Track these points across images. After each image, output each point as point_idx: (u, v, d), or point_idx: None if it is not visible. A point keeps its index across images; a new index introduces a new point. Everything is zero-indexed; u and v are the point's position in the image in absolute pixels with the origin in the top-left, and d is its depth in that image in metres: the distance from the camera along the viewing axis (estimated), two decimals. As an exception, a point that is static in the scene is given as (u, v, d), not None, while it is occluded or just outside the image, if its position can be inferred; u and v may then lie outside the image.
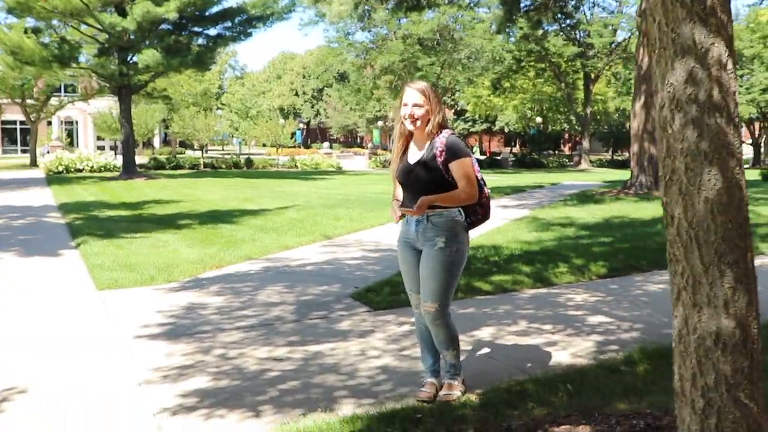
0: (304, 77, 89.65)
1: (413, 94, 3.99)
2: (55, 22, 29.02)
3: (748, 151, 72.26)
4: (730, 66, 2.28)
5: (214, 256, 9.15)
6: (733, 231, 2.30)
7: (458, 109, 72.23)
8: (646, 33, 17.99)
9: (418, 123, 3.99)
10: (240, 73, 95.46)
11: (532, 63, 50.01)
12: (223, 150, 75.55)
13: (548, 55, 47.73)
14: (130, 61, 29.05)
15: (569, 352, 5.08)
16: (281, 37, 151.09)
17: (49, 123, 55.50)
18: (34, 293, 7.19)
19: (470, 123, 76.27)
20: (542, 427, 3.46)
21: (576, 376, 4.42)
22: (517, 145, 76.91)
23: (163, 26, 28.90)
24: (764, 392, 2.41)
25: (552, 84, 53.60)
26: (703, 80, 2.28)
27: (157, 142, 65.46)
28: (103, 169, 34.51)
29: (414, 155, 4.09)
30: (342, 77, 70.59)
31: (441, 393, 4.13)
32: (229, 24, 30.61)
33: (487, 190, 4.11)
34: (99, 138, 58.51)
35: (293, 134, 66.61)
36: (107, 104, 46.67)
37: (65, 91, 49.90)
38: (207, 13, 29.73)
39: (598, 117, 58.46)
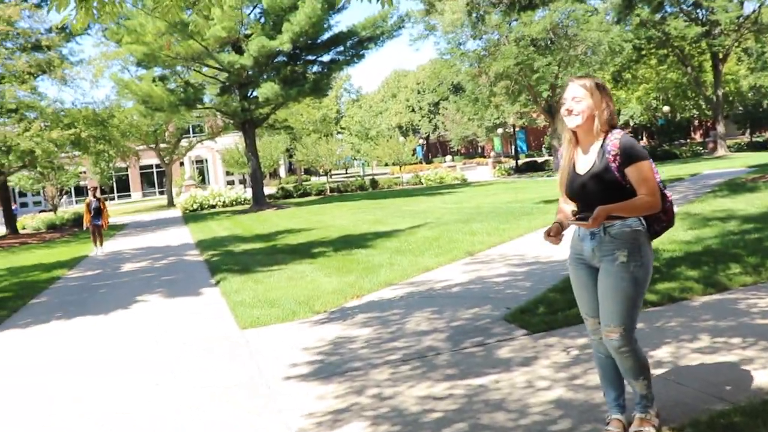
0: (418, 93, 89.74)
1: (572, 88, 3.52)
2: (178, 68, 30.14)
3: None
4: None
5: (354, 284, 8.86)
6: None
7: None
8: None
9: (578, 118, 3.48)
10: (356, 95, 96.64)
11: (653, 50, 47.89)
12: (346, 173, 76.59)
13: (669, 39, 45.52)
14: (251, 96, 29.69)
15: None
16: (392, 56, 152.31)
17: (182, 164, 57.77)
18: (179, 337, 7.08)
19: (592, 120, 74.20)
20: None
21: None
22: (644, 138, 74.15)
23: (279, 58, 29.39)
24: None
25: (676, 70, 51.18)
26: None
27: (282, 171, 66.97)
28: (234, 203, 35.48)
29: (583, 163, 3.57)
30: (457, 88, 70.08)
31: (631, 430, 3.59)
32: (341, 48, 30.82)
33: (669, 194, 3.56)
34: (228, 173, 60.45)
35: (414, 150, 66.57)
36: (233, 140, 48.14)
37: (193, 132, 51.90)
38: (319, 41, 30.01)
39: (731, 98, 55.41)
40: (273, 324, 7.22)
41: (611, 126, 3.52)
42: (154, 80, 29.10)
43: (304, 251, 13.33)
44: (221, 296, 9.25)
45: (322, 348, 6.05)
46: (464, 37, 42.76)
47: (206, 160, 64.20)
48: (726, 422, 3.56)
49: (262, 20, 28.88)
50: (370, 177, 45.89)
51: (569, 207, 3.69)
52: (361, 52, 30.91)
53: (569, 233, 3.76)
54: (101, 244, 16.81)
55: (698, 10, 45.47)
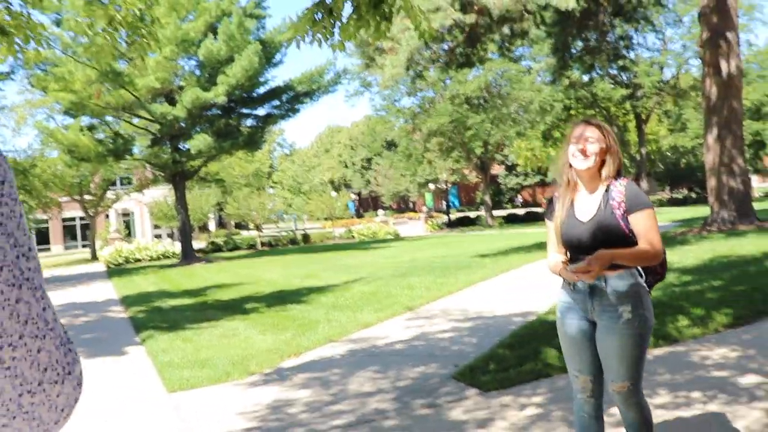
0: (352, 148, 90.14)
1: (586, 128, 3.31)
2: (108, 117, 29.33)
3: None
4: None
5: (291, 342, 8.41)
6: None
7: (508, 164, 71.64)
8: (710, 63, 17.25)
9: (591, 160, 3.26)
10: (289, 150, 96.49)
11: (581, 110, 49.23)
12: (278, 228, 75.78)
13: (597, 100, 46.91)
14: (183, 148, 29.08)
15: (741, 425, 4.17)
16: (326, 112, 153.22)
17: (107, 216, 56.27)
18: (99, 403, 6.52)
19: (522, 177, 75.59)
20: None
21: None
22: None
23: (213, 111, 28.95)
24: None
25: (604, 129, 52.57)
26: None
27: (212, 225, 65.87)
28: (162, 257, 34.44)
29: (583, 209, 3.34)
30: (390, 144, 70.61)
31: None
32: (277, 102, 30.58)
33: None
34: (156, 226, 59.09)
35: (346, 205, 66.43)
36: (162, 193, 47.13)
37: (121, 184, 50.65)
38: (255, 94, 29.72)
39: (653, 157, 57.20)
40: (204, 386, 6.73)
41: (618, 172, 3.33)
42: (81, 129, 28.20)
43: (236, 307, 12.80)
44: (147, 356, 8.68)
45: (259, 413, 5.60)
46: (399, 94, 43.23)
47: (133, 213, 62.64)
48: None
49: (198, 72, 28.46)
50: (302, 231, 45.39)
51: (558, 258, 3.44)
52: (296, 107, 30.70)
53: (557, 281, 3.50)
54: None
55: (623, 74, 46.98)
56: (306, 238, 41.23)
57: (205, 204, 49.81)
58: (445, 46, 20.00)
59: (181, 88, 27.58)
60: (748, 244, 13.88)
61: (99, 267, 33.19)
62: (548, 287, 11.08)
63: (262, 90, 29.88)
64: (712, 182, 18.43)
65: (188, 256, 29.61)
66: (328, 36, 6.17)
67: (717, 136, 17.66)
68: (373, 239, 39.67)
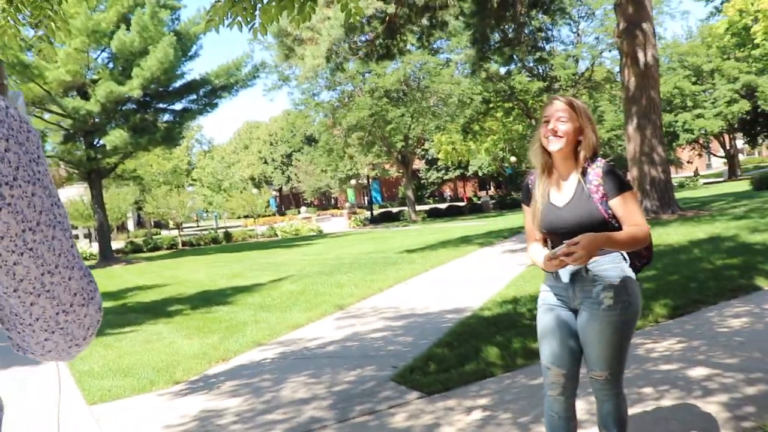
0: (271, 144, 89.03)
1: (557, 105, 3.06)
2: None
3: (718, 165, 72.69)
4: None
5: (218, 346, 8.00)
6: None
7: (429, 158, 71.97)
8: (627, 53, 17.46)
9: (562, 141, 3.02)
10: (208, 146, 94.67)
11: (500, 103, 49.71)
12: (198, 226, 74.37)
13: (515, 93, 47.41)
14: (98, 145, 28.05)
15: (699, 421, 4.03)
16: (245, 107, 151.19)
17: (18, 217, 54.09)
18: (11, 418, 6.02)
19: (443, 171, 76.02)
20: None
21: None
22: (492, 188, 76.58)
23: (128, 105, 28.02)
24: None
25: (522, 122, 53.31)
26: None
27: (131, 224, 64.12)
28: (78, 259, 33.23)
29: (559, 194, 3.13)
30: (310, 140, 70.00)
31: None
32: (194, 97, 29.83)
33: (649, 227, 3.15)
34: (72, 227, 57.06)
35: (268, 203, 65.57)
36: (77, 191, 45.52)
37: (32, 184, 48.68)
38: (171, 88, 28.88)
39: (570, 149, 58.31)
40: (127, 397, 6.30)
41: (594, 154, 3.10)
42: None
43: (159, 309, 12.27)
44: (64, 365, 8.15)
45: (186, 425, 5.22)
46: (318, 88, 42.81)
47: (46, 214, 60.46)
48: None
49: (111, 65, 27.47)
50: (224, 230, 44.55)
51: (542, 250, 3.22)
52: (214, 101, 30.01)
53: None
54: None
55: (539, 67, 47.61)
56: (228, 236, 40.47)
57: (123, 203, 48.37)
58: (365, 38, 19.78)
59: (94, 81, 26.59)
60: (674, 233, 14.05)
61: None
62: (479, 283, 10.96)
63: (178, 84, 29.11)
64: (633, 172, 18.66)
65: (107, 257, 28.65)
66: (249, 19, 5.81)
67: (637, 126, 17.89)
68: (296, 236, 39.20)
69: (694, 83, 53.30)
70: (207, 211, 75.91)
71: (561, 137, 3.02)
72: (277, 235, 41.10)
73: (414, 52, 35.65)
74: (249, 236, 41.48)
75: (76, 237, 50.45)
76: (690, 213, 18.63)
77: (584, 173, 3.07)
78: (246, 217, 59.40)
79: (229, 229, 44.51)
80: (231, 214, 63.59)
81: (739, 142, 67.38)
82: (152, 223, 62.41)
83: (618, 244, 2.95)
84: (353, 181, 64.40)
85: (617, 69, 48.19)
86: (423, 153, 67.90)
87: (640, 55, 16.49)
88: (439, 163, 70.41)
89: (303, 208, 58.29)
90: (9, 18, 4.42)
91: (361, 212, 54.64)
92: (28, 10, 4.13)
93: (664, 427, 4.06)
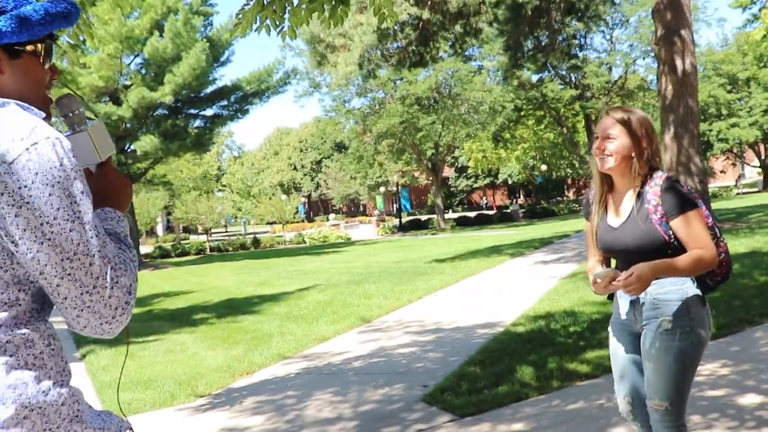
0: (301, 151, 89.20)
1: (606, 122, 2.90)
2: (54, 119, 28.28)
3: (752, 175, 71.51)
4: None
5: (242, 359, 7.79)
6: None
7: (459, 166, 71.61)
8: (665, 60, 17.04)
9: (611, 160, 2.85)
10: (238, 152, 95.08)
11: (531, 111, 49.28)
12: (227, 232, 74.62)
13: (546, 101, 46.96)
14: (129, 150, 28.14)
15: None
16: (275, 113, 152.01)
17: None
18: None
19: (473, 179, 75.61)
20: None
21: None
22: (522, 196, 76.00)
23: (159, 111, 28.09)
24: None
25: (553, 130, 52.82)
26: None
27: (160, 229, 64.50)
28: (107, 263, 33.38)
29: (616, 214, 2.95)
30: (340, 147, 69.96)
31: None
32: (225, 103, 29.85)
33: (723, 241, 2.94)
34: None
35: (296, 209, 65.65)
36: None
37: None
38: (202, 94, 28.93)
39: (603, 158, 57.66)
40: (147, 411, 6.10)
41: (652, 168, 2.88)
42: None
43: (184, 318, 12.11)
44: (87, 374, 7.99)
45: (207, 444, 5.01)
46: (349, 95, 42.65)
47: (78, 218, 61.04)
48: None
49: (143, 71, 27.57)
50: (252, 236, 44.55)
51: (599, 268, 3.02)
52: (245, 108, 30.00)
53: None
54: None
55: (572, 75, 47.12)
56: (256, 242, 40.45)
57: (153, 208, 48.68)
58: (397, 45, 19.60)
59: (126, 87, 26.69)
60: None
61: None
62: (510, 295, 10.66)
63: (209, 90, 29.14)
64: (669, 182, 18.17)
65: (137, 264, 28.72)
66: (278, 22, 5.60)
67: (674, 135, 17.44)
68: (324, 243, 39.04)
69: (729, 92, 52.46)
70: (235, 217, 76.13)
71: (609, 156, 2.86)
72: (305, 242, 41.00)
73: (446, 59, 35.38)
74: (277, 242, 41.43)
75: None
76: (727, 225, 18.15)
77: (642, 191, 2.86)
78: (274, 223, 59.43)
79: (257, 235, 44.50)
80: (259, 220, 63.72)
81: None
82: (181, 228, 62.69)
83: (679, 271, 2.74)
84: (382, 189, 64.18)
85: (651, 77, 47.79)
86: (453, 161, 67.54)
87: (678, 63, 16.07)
88: (469, 171, 70.04)
89: (331, 215, 58.23)
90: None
91: (389, 219, 54.44)
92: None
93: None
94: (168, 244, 41.96)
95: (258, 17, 5.62)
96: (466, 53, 30.50)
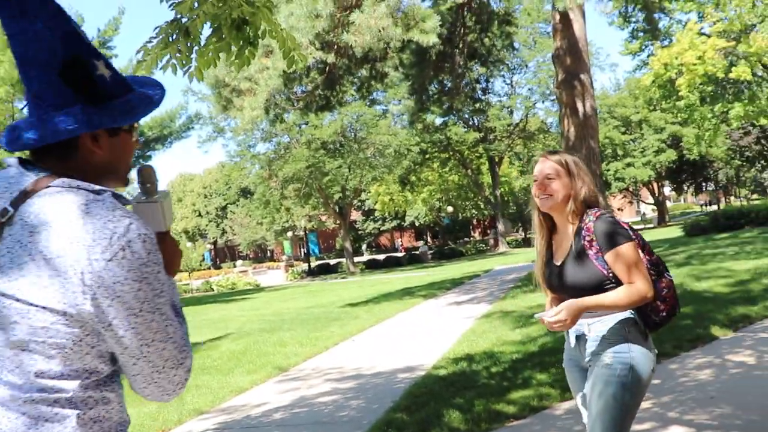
0: (205, 197, 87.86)
1: (544, 164, 2.97)
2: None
3: (646, 211, 74.48)
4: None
5: (156, 416, 7.38)
6: None
7: (366, 209, 71.92)
8: (567, 104, 17.58)
9: (552, 199, 2.91)
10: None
11: (437, 153, 50.09)
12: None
13: (451, 143, 47.86)
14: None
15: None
16: (178, 159, 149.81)
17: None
18: None
19: (380, 222, 75.99)
20: None
21: None
22: (429, 238, 76.77)
23: (56, 158, 27.15)
24: None
25: (458, 172, 53.78)
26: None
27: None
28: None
29: (559, 250, 2.98)
30: (245, 192, 69.21)
31: None
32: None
33: (668, 276, 2.94)
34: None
35: (203, 256, 64.33)
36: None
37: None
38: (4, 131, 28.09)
39: (506, 198, 58.92)
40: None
41: (588, 206, 2.90)
42: None
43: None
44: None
45: None
46: (254, 140, 42.39)
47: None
48: None
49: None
50: (157, 285, 43.38)
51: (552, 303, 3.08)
52: (147, 153, 29.35)
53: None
54: None
55: (475, 118, 48.25)
56: (161, 291, 39.34)
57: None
58: (301, 89, 19.54)
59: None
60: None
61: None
62: (428, 338, 10.59)
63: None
64: (574, 221, 18.63)
65: None
66: (184, 62, 5.41)
67: (577, 176, 17.94)
68: (233, 290, 38.35)
69: (623, 133, 54.73)
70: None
71: (550, 195, 2.92)
72: (213, 290, 40.16)
73: (352, 103, 35.64)
74: (184, 291, 40.46)
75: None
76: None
77: (579, 227, 2.90)
78: (181, 271, 58.09)
79: (162, 285, 43.36)
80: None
81: (666, 189, 69.27)
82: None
83: (610, 305, 2.78)
84: (289, 233, 63.70)
85: (550, 120, 49.44)
86: (360, 204, 67.80)
87: (579, 106, 16.58)
88: (376, 214, 70.38)
89: (239, 261, 57.35)
90: None
91: (298, 264, 54.03)
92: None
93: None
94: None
95: (165, 57, 5.44)
96: (371, 97, 30.73)
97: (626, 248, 2.79)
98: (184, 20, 5.14)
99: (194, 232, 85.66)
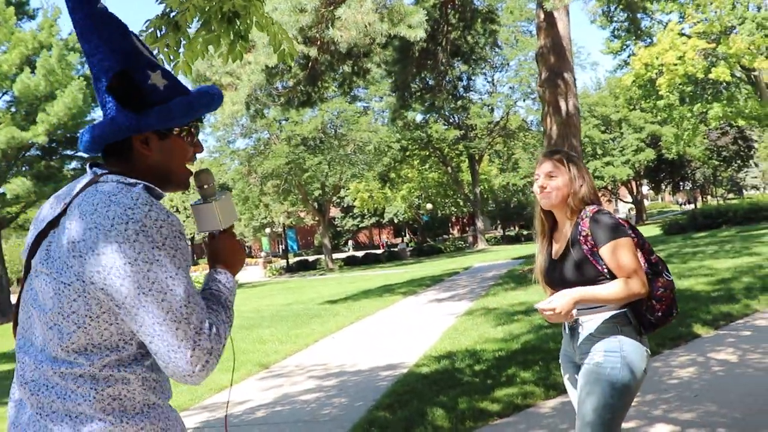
0: (183, 192, 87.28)
1: (545, 164, 3.02)
2: None
3: (624, 210, 75.01)
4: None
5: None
6: None
7: (345, 206, 71.77)
8: (549, 102, 17.60)
9: (553, 197, 2.96)
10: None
11: (417, 151, 50.07)
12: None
13: (431, 141, 47.86)
14: (-3, 194, 26.65)
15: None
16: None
17: None
18: None
19: (359, 219, 75.86)
20: None
21: None
22: (408, 234, 76.75)
23: (32, 152, 26.76)
24: None
25: (437, 169, 53.78)
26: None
27: (33, 277, 61.42)
28: (-25, 314, 31.32)
29: (558, 247, 3.03)
30: (223, 188, 68.81)
31: None
32: (104, 143, 28.75)
33: (667, 276, 2.93)
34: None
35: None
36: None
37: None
38: (79, 134, 27.79)
39: (485, 196, 58.99)
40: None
41: (587, 202, 2.94)
42: None
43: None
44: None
45: None
46: (234, 135, 42.14)
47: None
48: None
49: (13, 109, 26.22)
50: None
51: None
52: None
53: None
54: None
55: (456, 115, 48.28)
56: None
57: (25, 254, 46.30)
58: (281, 85, 19.39)
59: (-5, 127, 25.31)
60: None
61: None
62: (409, 335, 10.55)
63: (87, 130, 27.98)
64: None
65: (5, 312, 27.05)
66: (172, 56, 5.31)
67: (558, 174, 17.97)
68: (210, 286, 37.98)
69: (603, 132, 55.00)
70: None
71: (550, 193, 2.97)
72: (190, 286, 39.90)
73: (332, 99, 35.54)
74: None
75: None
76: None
77: (577, 223, 2.94)
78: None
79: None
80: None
81: (644, 188, 69.79)
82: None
83: (602, 298, 2.79)
84: (268, 230, 63.40)
85: (531, 118, 49.58)
86: (339, 201, 67.63)
87: (562, 104, 16.62)
88: (355, 211, 70.25)
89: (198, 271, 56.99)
90: None
91: (276, 261, 53.79)
92: None
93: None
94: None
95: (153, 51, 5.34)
96: (352, 94, 30.65)
97: (621, 243, 2.81)
98: (173, 14, 5.04)
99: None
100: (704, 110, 36.33)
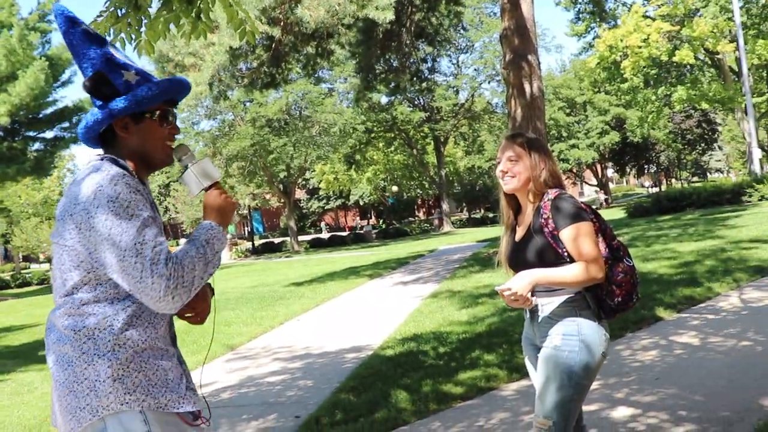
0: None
1: (507, 147, 3.04)
2: None
3: (590, 193, 75.75)
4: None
5: (99, 397, 7.26)
6: None
7: (310, 188, 71.58)
8: (514, 84, 17.67)
9: (515, 181, 3.00)
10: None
11: (382, 133, 50.02)
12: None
13: (397, 123, 47.84)
14: (-42, 175, 26.17)
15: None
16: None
17: None
18: None
19: (324, 200, 75.73)
20: None
21: None
22: (373, 217, 76.83)
23: (-7, 133, 26.30)
24: None
25: (403, 152, 53.81)
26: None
27: (-5, 260, 60.47)
28: (-65, 297, 30.86)
29: (521, 230, 3.07)
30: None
31: None
32: (66, 125, 28.27)
33: (628, 262, 2.95)
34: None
35: (144, 234, 63.16)
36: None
37: None
38: (42, 115, 27.31)
39: (451, 178, 59.18)
40: (-7, 462, 5.57)
41: (549, 186, 2.97)
42: None
43: (31, 354, 11.27)
44: None
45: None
46: (198, 117, 41.76)
47: None
48: None
49: (-27, 90, 25.72)
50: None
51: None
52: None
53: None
54: None
55: (421, 97, 48.29)
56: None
57: (-13, 236, 45.62)
58: (245, 66, 19.27)
59: (-46, 108, 24.80)
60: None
61: None
62: (374, 318, 10.62)
63: (49, 111, 27.59)
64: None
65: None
66: (133, 36, 5.27)
67: (522, 156, 18.07)
68: (175, 269, 37.75)
69: (568, 115, 55.35)
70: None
71: (513, 177, 3.00)
72: (155, 268, 39.61)
73: (296, 81, 35.32)
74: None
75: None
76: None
77: (539, 206, 2.97)
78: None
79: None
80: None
81: (609, 171, 70.48)
82: (21, 257, 59.04)
83: (556, 281, 2.83)
84: (234, 212, 63.05)
85: (495, 100, 49.76)
86: (304, 183, 67.41)
87: (527, 87, 16.67)
88: (321, 193, 70.10)
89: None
90: None
91: (242, 243, 53.56)
92: None
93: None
94: (7, 275, 39.35)
95: (112, 30, 5.29)
96: (317, 75, 30.50)
97: (581, 227, 2.83)
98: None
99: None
100: (668, 93, 36.76)
